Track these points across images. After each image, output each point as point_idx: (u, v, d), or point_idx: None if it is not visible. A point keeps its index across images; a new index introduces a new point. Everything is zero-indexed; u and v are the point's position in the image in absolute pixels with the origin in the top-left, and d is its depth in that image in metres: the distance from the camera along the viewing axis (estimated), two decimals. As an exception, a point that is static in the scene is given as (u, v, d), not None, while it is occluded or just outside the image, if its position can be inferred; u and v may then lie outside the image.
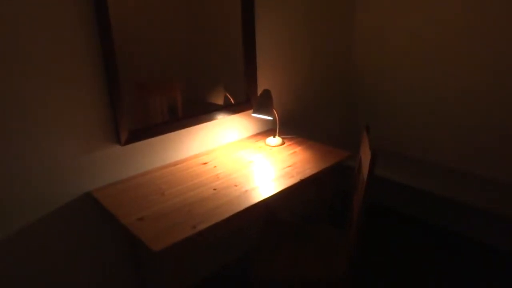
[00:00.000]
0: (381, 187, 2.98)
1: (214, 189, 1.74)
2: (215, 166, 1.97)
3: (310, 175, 1.85)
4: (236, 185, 1.77)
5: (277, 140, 2.23)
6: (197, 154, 2.12)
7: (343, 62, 2.93)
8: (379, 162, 2.73)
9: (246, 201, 1.64)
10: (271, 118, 2.11)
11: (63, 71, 1.58)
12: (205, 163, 2.01)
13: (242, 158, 2.05)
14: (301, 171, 1.89)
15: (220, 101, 2.26)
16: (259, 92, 2.34)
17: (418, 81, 2.72)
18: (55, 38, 1.53)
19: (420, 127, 2.79)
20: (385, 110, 2.95)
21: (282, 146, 2.21)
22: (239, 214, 1.57)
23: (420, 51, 2.66)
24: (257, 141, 2.30)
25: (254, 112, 2.13)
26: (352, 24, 2.91)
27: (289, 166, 1.95)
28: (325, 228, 2.03)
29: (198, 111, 2.11)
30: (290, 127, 2.62)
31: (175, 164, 2.00)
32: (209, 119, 2.15)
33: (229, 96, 2.29)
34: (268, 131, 2.44)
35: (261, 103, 2.11)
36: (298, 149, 2.16)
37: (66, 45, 1.57)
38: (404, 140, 2.89)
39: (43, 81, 1.54)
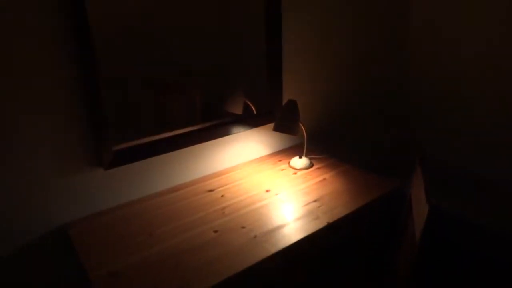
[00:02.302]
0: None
1: (215, 231, 1.37)
2: (222, 196, 1.59)
3: (341, 216, 1.43)
4: (243, 227, 1.38)
5: (304, 161, 1.81)
6: (203, 177, 1.75)
7: (389, 68, 2.43)
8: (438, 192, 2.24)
9: (252, 253, 1.25)
10: (295, 136, 1.70)
11: (30, 78, 1.26)
12: (211, 190, 1.63)
13: (257, 185, 1.66)
14: (329, 209, 1.47)
15: (238, 110, 1.87)
16: (284, 102, 1.92)
17: (493, 91, 2.18)
18: (18, 32, 1.20)
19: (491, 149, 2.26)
20: (445, 127, 2.43)
21: (310, 169, 1.79)
22: (242, 273, 1.19)
23: (494, 55, 2.12)
24: (279, 160, 1.89)
25: (276, 128, 1.72)
26: (404, 21, 2.40)
27: (315, 201, 1.53)
28: None
29: (211, 124, 1.73)
30: (321, 144, 2.19)
31: (175, 190, 1.64)
32: (223, 133, 1.77)
33: (250, 104, 1.90)
34: (294, 147, 2.02)
35: (285, 117, 1.70)
36: (328, 175, 1.73)
37: (33, 39, 1.24)
38: (470, 163, 2.37)
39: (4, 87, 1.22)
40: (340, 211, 1.46)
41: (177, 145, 1.64)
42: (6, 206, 1.32)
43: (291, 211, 1.47)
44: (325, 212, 1.46)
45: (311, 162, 1.83)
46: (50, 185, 1.39)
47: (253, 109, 1.90)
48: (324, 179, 1.70)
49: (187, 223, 1.41)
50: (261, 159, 1.90)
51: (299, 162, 1.81)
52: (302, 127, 1.77)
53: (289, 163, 1.84)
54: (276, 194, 1.59)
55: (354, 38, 2.16)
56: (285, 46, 1.85)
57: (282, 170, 1.79)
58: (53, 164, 1.38)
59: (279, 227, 1.37)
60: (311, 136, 2.09)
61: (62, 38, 1.28)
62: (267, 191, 1.61)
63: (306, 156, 1.83)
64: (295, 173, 1.76)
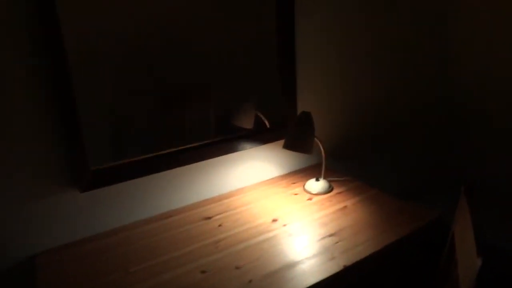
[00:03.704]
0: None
1: (203, 272, 1.10)
2: (220, 225, 1.32)
3: (362, 257, 1.12)
4: (238, 268, 1.11)
5: (322, 185, 1.52)
6: (202, 201, 1.49)
7: (427, 76, 2.11)
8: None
9: (243, 306, 0.97)
10: (310, 154, 1.42)
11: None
12: (208, 218, 1.37)
13: (263, 213, 1.38)
14: (349, 247, 1.17)
15: (249, 124, 1.62)
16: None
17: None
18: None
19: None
20: (496, 146, 2.06)
21: (328, 194, 1.49)
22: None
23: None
24: (293, 183, 1.60)
25: (286, 145, 1.45)
26: (444, 25, 2.08)
27: (332, 235, 1.23)
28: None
29: (212, 140, 1.49)
30: (344, 164, 1.88)
31: (166, 216, 1.39)
32: (228, 150, 1.51)
33: (262, 118, 1.64)
34: (312, 168, 1.73)
35: (297, 132, 1.43)
36: (351, 202, 1.43)
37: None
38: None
39: None
40: (362, 250, 1.15)
41: (170, 164, 1.39)
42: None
43: (300, 248, 1.18)
44: (343, 250, 1.16)
45: (330, 186, 1.53)
46: (17, 210, 1.18)
47: (266, 123, 1.64)
48: (345, 207, 1.40)
49: (171, 260, 1.16)
50: (271, 181, 1.63)
51: (316, 185, 1.52)
52: (320, 144, 1.49)
53: (304, 186, 1.56)
54: (284, 225, 1.30)
55: (384, 38, 1.87)
56: (299, 52, 1.59)
57: (295, 194, 1.51)
58: (22, 185, 1.17)
59: (282, 270, 1.09)
60: (332, 155, 1.80)
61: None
62: (273, 220, 1.34)
63: (324, 178, 1.54)
64: (310, 199, 1.47)
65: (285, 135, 1.48)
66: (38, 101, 1.14)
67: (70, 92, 1.15)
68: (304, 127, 1.41)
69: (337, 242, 1.20)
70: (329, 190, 1.52)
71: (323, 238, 1.22)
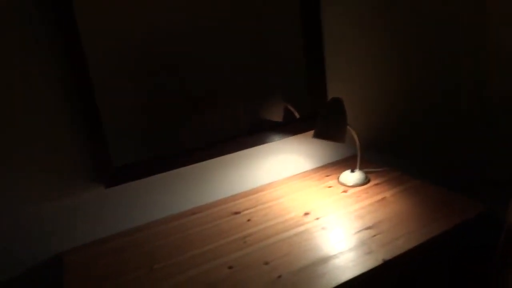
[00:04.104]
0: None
1: (230, 267, 1.03)
2: (249, 220, 1.26)
3: (403, 251, 1.02)
4: (267, 263, 1.03)
5: (357, 176, 1.41)
6: (231, 196, 1.43)
7: (470, 59, 1.94)
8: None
9: (271, 303, 0.89)
10: (342, 143, 1.32)
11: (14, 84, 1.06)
12: (236, 213, 1.31)
13: (295, 207, 1.30)
14: (388, 241, 1.06)
15: (277, 117, 1.55)
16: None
17: None
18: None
19: None
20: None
21: (365, 186, 1.39)
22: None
23: None
24: (327, 176, 1.51)
25: (316, 134, 1.36)
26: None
27: (369, 228, 1.13)
28: None
29: (240, 129, 1.44)
30: (382, 154, 1.75)
31: (193, 212, 1.35)
32: (257, 142, 1.45)
33: (291, 108, 1.57)
34: (348, 160, 1.63)
35: (328, 120, 1.34)
36: (390, 193, 1.32)
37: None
38: None
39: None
40: (402, 244, 1.04)
41: (197, 158, 1.35)
42: (-11, 231, 1.13)
43: (334, 242, 1.09)
44: (382, 244, 1.05)
45: (366, 177, 1.43)
46: (43, 208, 1.17)
47: (296, 114, 1.57)
48: (384, 198, 1.29)
49: (197, 256, 1.10)
50: (304, 175, 1.54)
51: (351, 177, 1.42)
52: (353, 133, 1.39)
53: (338, 178, 1.46)
54: (317, 219, 1.22)
55: (417, 22, 1.74)
56: (326, 40, 1.49)
57: (329, 187, 1.42)
58: (45, 183, 1.16)
59: (314, 265, 1.00)
60: (367, 146, 1.69)
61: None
62: (305, 214, 1.25)
63: (360, 169, 1.44)
64: (346, 191, 1.37)
65: (315, 124, 1.39)
66: (61, 99, 1.13)
67: (92, 92, 1.13)
68: (335, 114, 1.32)
69: (375, 235, 1.09)
70: (366, 181, 1.41)
71: (360, 231, 1.13)
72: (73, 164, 1.18)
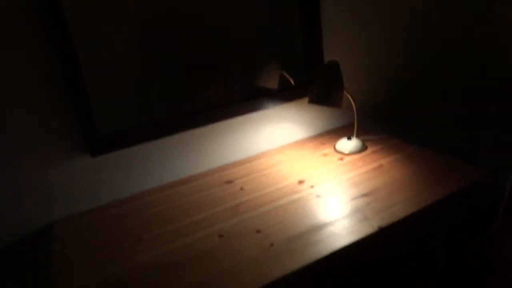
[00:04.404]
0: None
1: (221, 236, 1.01)
2: (241, 188, 1.22)
3: (399, 218, 0.99)
4: (259, 231, 1.00)
5: (354, 143, 1.37)
6: (224, 165, 1.39)
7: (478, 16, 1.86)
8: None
9: (263, 269, 0.87)
10: (339, 109, 1.27)
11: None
12: (229, 182, 1.27)
13: (289, 175, 1.26)
14: (383, 208, 1.03)
15: (272, 84, 1.49)
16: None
17: None
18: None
19: None
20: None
21: (362, 154, 1.35)
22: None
23: None
24: (322, 144, 1.47)
25: (312, 99, 1.31)
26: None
27: (365, 195, 1.10)
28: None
29: (234, 96, 1.39)
30: (379, 122, 1.71)
31: (184, 182, 1.31)
32: (253, 109, 1.40)
33: (286, 76, 1.51)
34: (345, 128, 1.58)
35: (323, 84, 1.28)
36: (387, 160, 1.28)
37: None
38: None
39: None
40: (398, 210, 1.01)
41: (188, 125, 1.30)
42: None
43: (329, 209, 1.06)
44: (378, 211, 1.02)
45: (364, 145, 1.39)
46: (30, 177, 1.13)
47: (291, 81, 1.51)
48: (381, 165, 1.25)
49: (187, 225, 1.07)
50: (299, 143, 1.50)
51: (348, 144, 1.38)
52: (351, 99, 1.34)
53: (334, 146, 1.42)
54: (311, 187, 1.18)
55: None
56: (323, 1, 1.42)
57: (325, 155, 1.38)
58: (31, 151, 1.12)
59: (308, 232, 0.97)
60: (364, 113, 1.64)
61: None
62: (300, 182, 1.22)
63: (357, 136, 1.40)
64: (341, 159, 1.33)
65: (310, 89, 1.34)
66: (43, 61, 1.07)
67: (75, 53, 1.07)
68: (331, 77, 1.26)
69: (370, 203, 1.06)
70: (363, 149, 1.37)
71: (355, 198, 1.09)
72: (59, 131, 1.14)
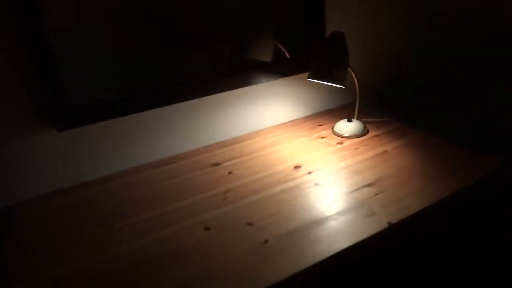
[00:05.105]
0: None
1: (207, 228, 0.87)
2: (230, 173, 1.08)
3: (409, 215, 0.87)
4: (250, 224, 0.87)
5: (355, 126, 1.24)
6: (210, 145, 1.25)
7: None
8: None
9: (258, 271, 0.74)
10: (342, 87, 1.13)
11: None
12: (216, 165, 1.13)
13: (283, 159, 1.13)
14: (393, 200, 0.91)
15: (266, 57, 1.33)
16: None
17: None
18: None
19: None
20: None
21: (363, 138, 1.22)
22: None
23: None
24: (319, 125, 1.33)
25: (312, 75, 1.16)
26: None
27: (370, 185, 0.98)
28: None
29: (221, 68, 1.23)
30: (382, 103, 1.58)
31: (166, 163, 1.16)
32: (243, 83, 1.24)
33: (282, 48, 1.35)
34: (343, 108, 1.45)
35: (326, 58, 1.14)
36: (391, 146, 1.16)
37: None
38: None
39: None
40: (410, 204, 0.89)
41: (170, 98, 1.14)
42: None
43: (329, 200, 0.93)
44: (386, 204, 0.90)
45: (365, 128, 1.26)
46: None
47: (287, 54, 1.36)
48: (385, 151, 1.13)
49: (168, 213, 0.93)
50: (293, 124, 1.36)
51: (348, 126, 1.25)
52: (354, 76, 1.20)
53: (332, 128, 1.29)
54: (309, 173, 1.05)
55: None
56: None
57: (322, 138, 1.25)
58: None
59: (306, 227, 0.84)
60: (368, 91, 1.50)
61: None
62: (296, 167, 1.08)
63: (358, 118, 1.26)
64: (341, 143, 1.20)
65: (310, 63, 1.19)
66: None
67: (39, 11, 0.89)
68: (335, 51, 1.12)
69: (377, 194, 0.94)
70: (364, 132, 1.24)
71: (359, 188, 0.97)
72: (18, 98, 0.96)
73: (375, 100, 1.53)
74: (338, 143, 1.20)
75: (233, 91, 1.24)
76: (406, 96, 1.64)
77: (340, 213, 0.88)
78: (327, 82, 1.13)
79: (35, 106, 0.98)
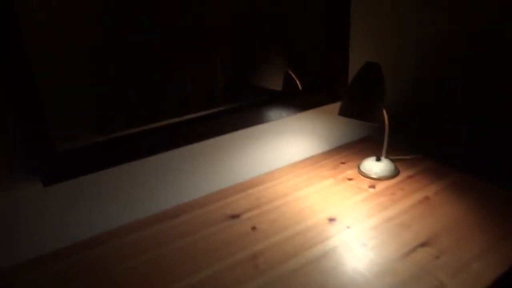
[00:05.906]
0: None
1: (241, 313, 0.68)
2: (253, 228, 0.90)
3: (487, 285, 0.72)
4: (296, 305, 0.69)
5: (386, 166, 1.10)
6: (221, 191, 1.06)
7: None
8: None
9: None
10: (376, 124, 0.99)
11: None
12: (234, 217, 0.95)
13: (312, 208, 0.96)
14: (458, 268, 0.76)
15: (275, 85, 1.17)
16: (352, 69, 1.20)
17: None
18: None
19: None
20: None
21: (395, 179, 1.08)
22: None
23: None
24: (342, 163, 1.18)
25: (343, 111, 1.01)
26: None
27: (423, 245, 0.83)
28: None
29: (232, 106, 1.05)
30: (405, 135, 1.43)
31: (171, 216, 0.96)
32: (253, 121, 1.07)
33: (293, 75, 1.20)
34: (361, 142, 1.31)
35: (361, 94, 0.99)
36: (432, 191, 1.02)
37: None
38: None
39: None
40: (479, 270, 0.75)
41: (170, 143, 0.95)
42: None
43: (386, 268, 0.77)
44: (453, 272, 0.75)
45: (396, 167, 1.12)
46: None
47: (298, 83, 1.20)
48: (427, 198, 0.99)
49: (187, 291, 0.74)
50: (312, 161, 1.20)
51: (377, 167, 1.10)
52: (384, 110, 1.06)
53: (358, 167, 1.14)
54: (348, 227, 0.89)
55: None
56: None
57: (350, 180, 1.09)
58: None
59: (371, 310, 0.68)
60: (393, 122, 1.36)
61: None
62: (330, 220, 0.92)
63: (387, 156, 1.12)
64: (373, 186, 1.05)
65: (342, 96, 1.04)
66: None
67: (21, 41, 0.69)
68: (372, 86, 0.97)
69: (437, 257, 0.79)
70: (396, 173, 1.10)
71: (414, 249, 0.81)
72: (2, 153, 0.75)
73: (400, 132, 1.39)
74: (370, 187, 1.05)
75: (246, 129, 1.07)
76: (431, 128, 1.51)
77: (403, 284, 0.72)
78: (361, 120, 0.98)
79: (14, 153, 0.77)
